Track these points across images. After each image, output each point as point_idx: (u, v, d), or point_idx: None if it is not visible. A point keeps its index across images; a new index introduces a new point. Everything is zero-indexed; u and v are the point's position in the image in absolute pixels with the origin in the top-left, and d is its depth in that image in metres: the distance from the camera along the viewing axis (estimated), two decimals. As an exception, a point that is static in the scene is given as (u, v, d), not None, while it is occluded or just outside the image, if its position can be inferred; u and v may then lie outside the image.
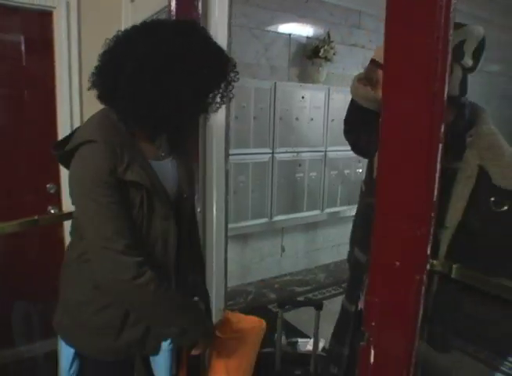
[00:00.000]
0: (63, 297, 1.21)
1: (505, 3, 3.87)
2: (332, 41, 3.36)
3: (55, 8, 2.21)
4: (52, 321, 1.22)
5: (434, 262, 0.89)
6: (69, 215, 1.76)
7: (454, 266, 0.90)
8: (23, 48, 2.23)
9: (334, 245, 4.04)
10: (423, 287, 0.89)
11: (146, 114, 1.05)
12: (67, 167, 1.10)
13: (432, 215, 0.85)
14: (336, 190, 3.69)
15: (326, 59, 3.34)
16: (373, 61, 1.30)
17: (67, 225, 2.35)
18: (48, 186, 2.40)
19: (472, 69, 1.08)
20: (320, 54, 3.29)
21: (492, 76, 4.87)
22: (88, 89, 1.10)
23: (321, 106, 3.39)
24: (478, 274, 0.96)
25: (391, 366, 0.97)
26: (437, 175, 0.83)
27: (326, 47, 3.30)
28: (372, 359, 0.99)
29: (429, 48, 0.80)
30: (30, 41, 2.24)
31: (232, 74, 1.12)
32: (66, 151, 1.06)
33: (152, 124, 1.09)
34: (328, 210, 3.69)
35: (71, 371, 1.20)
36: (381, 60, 0.96)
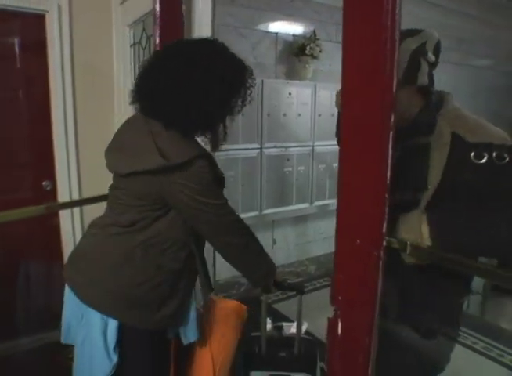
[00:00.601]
0: (113, 280, 1.30)
1: (491, 1, 3.96)
2: (318, 39, 3.43)
3: (47, 11, 2.30)
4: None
5: (391, 239, 0.99)
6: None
7: (408, 243, 1.00)
8: (17, 50, 2.31)
9: (325, 237, 4.10)
10: (381, 262, 0.99)
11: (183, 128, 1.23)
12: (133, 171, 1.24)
13: (386, 196, 0.95)
14: (324, 184, 3.77)
15: (313, 56, 3.41)
16: None
17: (62, 216, 2.46)
18: (44, 183, 2.47)
19: (435, 64, 1.23)
20: (306, 52, 3.36)
21: (480, 70, 4.98)
22: (130, 104, 1.31)
23: (308, 102, 3.45)
24: (432, 250, 1.07)
25: (355, 337, 1.06)
26: (389, 160, 0.93)
27: (312, 45, 3.36)
28: (339, 331, 1.08)
29: (378, 47, 0.90)
30: (24, 43, 2.32)
31: (249, 81, 1.29)
32: (174, 165, 1.19)
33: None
34: (317, 203, 3.76)
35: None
36: None
